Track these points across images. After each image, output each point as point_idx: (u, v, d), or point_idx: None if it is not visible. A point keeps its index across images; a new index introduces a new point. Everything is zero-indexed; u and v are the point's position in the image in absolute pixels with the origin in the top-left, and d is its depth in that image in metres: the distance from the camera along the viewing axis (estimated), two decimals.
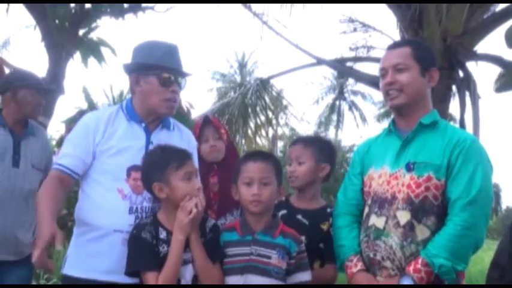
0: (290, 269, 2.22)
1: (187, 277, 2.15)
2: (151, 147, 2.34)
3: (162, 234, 2.17)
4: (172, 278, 2.09)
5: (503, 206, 37.84)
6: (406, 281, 2.13)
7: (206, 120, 3.00)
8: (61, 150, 2.43)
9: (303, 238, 2.37)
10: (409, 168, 2.24)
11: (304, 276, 2.26)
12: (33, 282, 4.59)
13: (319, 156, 2.66)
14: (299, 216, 2.56)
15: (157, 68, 2.34)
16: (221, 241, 2.24)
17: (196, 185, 2.19)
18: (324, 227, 2.56)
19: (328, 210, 2.60)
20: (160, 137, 2.39)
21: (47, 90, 3.42)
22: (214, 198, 2.82)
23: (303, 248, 2.29)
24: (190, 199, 2.12)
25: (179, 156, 2.20)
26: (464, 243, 2.13)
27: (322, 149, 2.70)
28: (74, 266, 2.31)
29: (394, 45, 2.45)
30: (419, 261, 2.13)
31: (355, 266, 2.30)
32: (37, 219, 2.21)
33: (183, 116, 4.82)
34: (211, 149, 2.89)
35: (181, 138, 2.49)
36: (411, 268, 2.13)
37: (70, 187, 2.37)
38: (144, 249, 2.13)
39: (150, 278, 2.09)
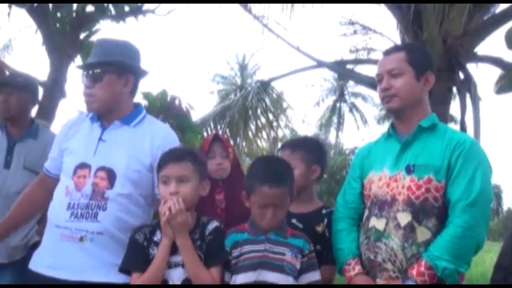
0: (302, 268, 2.22)
1: (174, 279, 2.15)
2: (101, 143, 2.39)
3: (157, 237, 2.19)
4: (154, 280, 2.11)
5: (505, 208, 37.80)
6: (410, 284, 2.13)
7: (216, 138, 3.04)
8: None
9: None
10: (409, 170, 2.25)
11: (315, 276, 2.25)
12: None
13: (308, 159, 2.65)
14: (294, 220, 2.55)
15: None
16: (231, 241, 2.22)
17: (170, 189, 2.17)
18: (319, 228, 2.55)
19: (324, 211, 2.60)
20: (114, 135, 2.42)
21: (9, 86, 3.30)
22: (221, 214, 2.82)
23: (313, 247, 2.30)
24: (165, 203, 2.14)
25: (163, 157, 2.24)
26: (466, 245, 2.14)
27: (311, 150, 2.69)
28: (33, 260, 2.41)
29: (390, 51, 2.46)
30: (422, 263, 2.13)
31: (353, 270, 2.31)
32: None
33: (182, 117, 4.81)
34: (217, 167, 2.87)
35: (143, 136, 2.42)
36: (414, 271, 2.14)
37: (52, 184, 2.49)
38: (134, 249, 2.19)
39: (134, 277, 2.15)
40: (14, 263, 3.11)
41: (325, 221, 2.56)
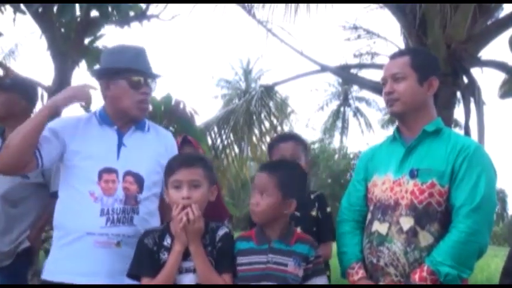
0: (307, 274, 2.21)
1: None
2: (123, 149, 2.40)
3: (166, 242, 2.19)
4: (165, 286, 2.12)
5: (510, 212, 37.56)
6: None
7: (185, 140, 3.11)
8: None
9: (298, 229, 2.43)
10: (412, 174, 2.25)
11: (322, 281, 2.26)
12: None
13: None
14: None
15: (126, 71, 2.39)
16: (236, 250, 2.22)
17: (183, 194, 2.16)
18: (314, 213, 2.75)
19: (312, 196, 2.79)
20: (133, 140, 2.45)
21: None
22: None
23: (319, 252, 2.30)
24: (178, 207, 2.13)
25: (174, 162, 2.24)
26: (469, 250, 2.13)
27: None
28: (51, 271, 2.34)
29: (395, 55, 2.48)
30: (425, 269, 2.13)
31: (356, 274, 2.31)
32: None
33: (187, 122, 4.83)
34: None
35: (157, 139, 2.53)
36: (416, 276, 2.13)
37: (30, 163, 2.28)
38: (143, 254, 2.18)
39: (144, 282, 2.14)
40: (1, 269, 3.07)
41: (317, 204, 2.76)
